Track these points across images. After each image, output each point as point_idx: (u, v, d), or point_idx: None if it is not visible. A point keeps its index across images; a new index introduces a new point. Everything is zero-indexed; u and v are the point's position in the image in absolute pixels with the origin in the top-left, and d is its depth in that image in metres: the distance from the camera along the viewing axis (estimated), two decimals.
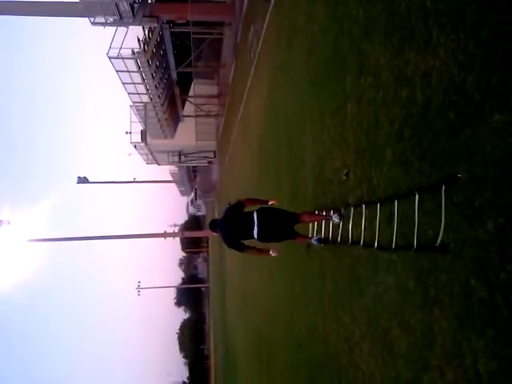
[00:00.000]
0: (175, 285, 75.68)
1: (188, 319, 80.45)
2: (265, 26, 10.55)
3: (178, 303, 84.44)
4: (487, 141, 2.21)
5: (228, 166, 21.41)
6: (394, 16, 3.34)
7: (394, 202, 3.20)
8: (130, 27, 16.51)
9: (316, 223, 5.21)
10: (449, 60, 2.56)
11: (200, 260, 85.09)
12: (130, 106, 23.35)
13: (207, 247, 60.68)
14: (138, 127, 25.38)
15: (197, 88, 23.94)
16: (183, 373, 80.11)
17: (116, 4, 14.36)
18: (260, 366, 10.02)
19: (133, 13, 15.07)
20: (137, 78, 18.61)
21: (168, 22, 18.07)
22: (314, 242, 4.88)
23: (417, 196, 2.85)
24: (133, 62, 17.29)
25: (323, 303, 4.94)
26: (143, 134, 25.56)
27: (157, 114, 22.55)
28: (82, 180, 29.55)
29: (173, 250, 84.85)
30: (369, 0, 3.95)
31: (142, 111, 23.21)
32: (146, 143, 26.17)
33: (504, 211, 2.09)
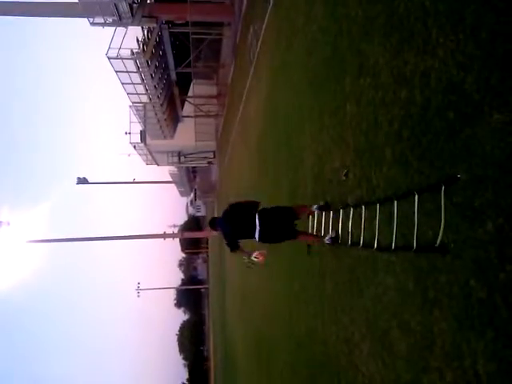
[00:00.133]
0: (175, 286, 75.66)
1: (188, 320, 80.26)
2: (264, 26, 10.55)
3: (178, 304, 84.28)
4: (487, 141, 2.21)
5: (227, 167, 21.41)
6: (393, 16, 3.34)
7: (393, 203, 3.19)
8: (129, 27, 16.47)
9: (316, 221, 5.20)
10: (448, 60, 2.56)
11: (199, 261, 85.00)
12: (130, 106, 23.31)
13: (207, 248, 60.65)
14: (138, 127, 25.29)
15: (196, 88, 23.90)
16: (183, 374, 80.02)
17: (115, 4, 14.32)
18: (259, 366, 10.02)
19: (132, 13, 15.04)
20: (136, 78, 18.58)
21: (167, 22, 18.06)
22: (327, 241, 4.62)
23: (416, 196, 2.84)
24: (132, 62, 17.27)
25: (323, 303, 4.93)
26: (142, 134, 25.49)
27: (156, 114, 22.51)
28: (82, 181, 29.62)
29: (172, 251, 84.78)
30: (368, 0, 3.95)
31: (142, 111, 23.18)
32: (145, 143, 26.11)
33: (504, 211, 2.08)
